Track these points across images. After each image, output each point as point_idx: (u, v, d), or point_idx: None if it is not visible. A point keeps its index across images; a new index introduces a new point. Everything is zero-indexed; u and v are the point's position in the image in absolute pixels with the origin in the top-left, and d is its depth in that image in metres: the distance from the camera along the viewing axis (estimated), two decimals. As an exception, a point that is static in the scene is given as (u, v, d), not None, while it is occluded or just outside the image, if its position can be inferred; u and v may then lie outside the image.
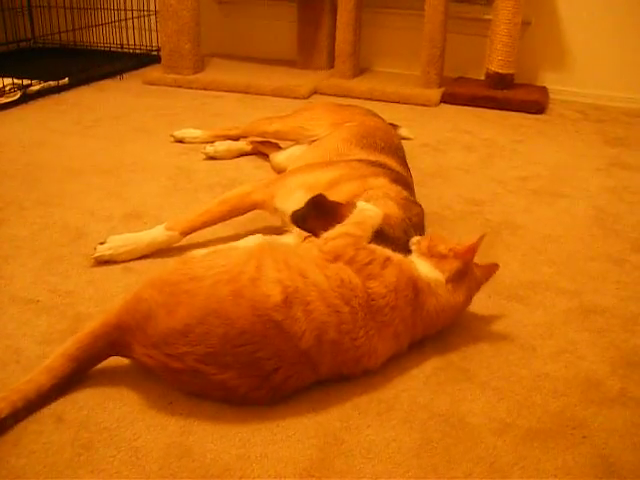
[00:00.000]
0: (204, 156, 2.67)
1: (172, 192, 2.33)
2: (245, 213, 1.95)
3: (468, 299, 1.53)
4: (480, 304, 1.66)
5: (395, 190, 1.76)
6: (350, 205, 1.57)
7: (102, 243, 1.84)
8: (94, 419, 1.27)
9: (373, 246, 1.44)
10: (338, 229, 1.47)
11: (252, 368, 1.24)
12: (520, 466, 1.19)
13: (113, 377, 1.37)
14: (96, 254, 1.82)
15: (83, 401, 1.31)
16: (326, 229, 1.49)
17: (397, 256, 1.46)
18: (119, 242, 1.84)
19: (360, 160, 1.93)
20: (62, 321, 1.56)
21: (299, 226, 1.56)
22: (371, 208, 1.55)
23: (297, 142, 2.48)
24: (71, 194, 2.28)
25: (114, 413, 1.28)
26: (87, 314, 1.59)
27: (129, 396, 1.33)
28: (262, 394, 1.27)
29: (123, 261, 1.83)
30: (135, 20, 4.40)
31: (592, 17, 3.85)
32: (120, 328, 1.31)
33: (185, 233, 1.89)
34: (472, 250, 1.49)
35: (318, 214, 1.54)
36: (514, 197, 2.43)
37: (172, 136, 2.88)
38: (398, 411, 1.31)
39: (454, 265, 1.48)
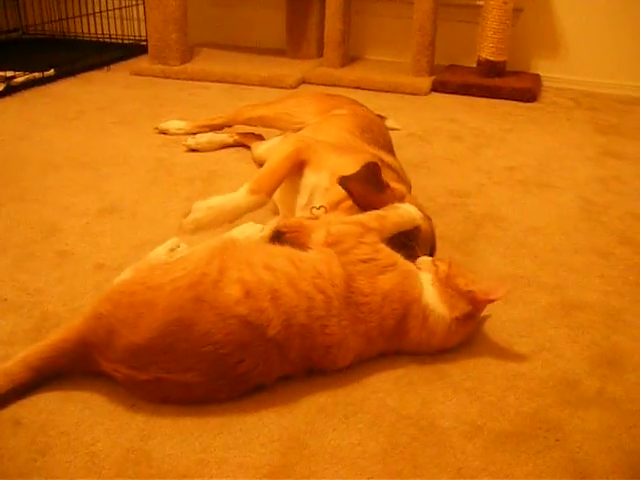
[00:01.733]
0: (185, 148, 2.62)
1: (151, 186, 2.29)
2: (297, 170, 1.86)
3: (464, 339, 1.46)
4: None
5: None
6: (397, 194, 1.57)
7: (187, 214, 1.74)
8: (53, 423, 1.23)
9: (382, 246, 1.40)
10: (355, 217, 1.47)
11: (215, 365, 1.22)
12: (489, 471, 1.15)
13: (76, 379, 1.32)
14: (184, 227, 1.73)
15: (43, 404, 1.27)
16: (362, 197, 1.53)
17: (406, 268, 1.41)
18: (202, 212, 1.73)
19: (374, 155, 1.89)
20: (28, 320, 1.51)
21: (341, 184, 1.56)
22: (409, 211, 1.53)
23: (282, 131, 2.43)
24: (48, 188, 2.23)
25: (74, 416, 1.24)
26: (54, 313, 1.55)
27: (91, 399, 1.29)
28: (224, 386, 1.25)
29: (210, 229, 1.75)
30: (124, 10, 4.34)
31: (585, 3, 3.79)
32: (84, 345, 1.28)
33: (270, 194, 1.79)
34: (492, 301, 1.43)
35: (365, 180, 1.54)
36: (500, 188, 2.38)
37: (156, 128, 2.83)
38: (366, 414, 1.27)
39: (467, 308, 1.39)
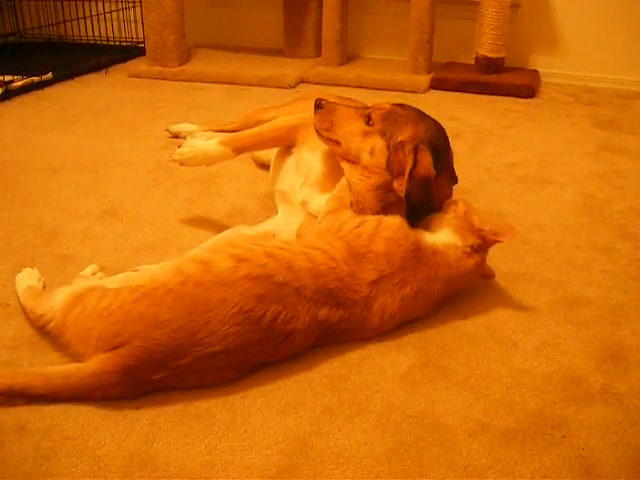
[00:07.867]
0: (185, 149, 2.61)
1: (151, 188, 2.28)
2: (284, 145, 1.93)
3: (474, 273, 1.58)
4: (460, 297, 1.62)
5: None
6: None
7: (180, 146, 1.90)
8: (58, 427, 1.22)
9: (360, 216, 1.58)
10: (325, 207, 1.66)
11: (245, 324, 1.29)
12: (495, 469, 1.15)
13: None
14: (173, 157, 1.91)
15: (48, 409, 1.26)
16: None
17: (392, 221, 1.53)
18: (186, 148, 1.88)
19: None
20: (32, 325, 1.51)
21: None
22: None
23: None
24: (48, 192, 2.23)
25: (79, 421, 1.24)
26: (57, 317, 1.54)
27: (96, 402, 1.28)
28: (259, 343, 1.32)
29: (191, 166, 1.92)
30: (121, 12, 4.34)
31: (582, -2, 3.80)
32: (127, 373, 1.26)
33: (237, 151, 1.88)
34: (499, 241, 1.55)
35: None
36: (500, 185, 2.37)
37: (167, 130, 2.79)
38: (371, 413, 1.27)
39: (477, 241, 1.53)
